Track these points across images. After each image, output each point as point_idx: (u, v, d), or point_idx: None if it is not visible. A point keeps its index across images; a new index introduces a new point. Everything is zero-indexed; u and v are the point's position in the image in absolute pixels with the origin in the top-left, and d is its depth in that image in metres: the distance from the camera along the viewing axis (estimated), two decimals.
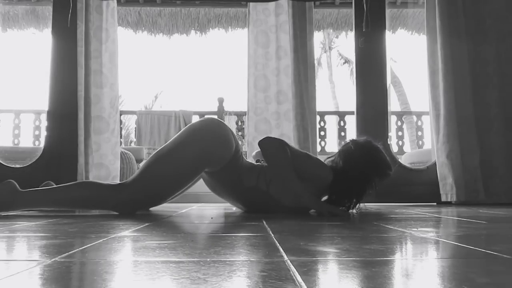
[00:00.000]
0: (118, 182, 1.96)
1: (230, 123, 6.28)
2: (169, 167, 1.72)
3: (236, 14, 4.79)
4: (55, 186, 1.80)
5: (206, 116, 1.94)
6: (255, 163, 1.93)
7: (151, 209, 2.05)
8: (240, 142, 2.03)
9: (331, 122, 6.28)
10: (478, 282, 0.56)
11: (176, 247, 0.85)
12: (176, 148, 1.74)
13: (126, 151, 3.67)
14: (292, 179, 1.66)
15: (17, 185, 1.67)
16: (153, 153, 1.80)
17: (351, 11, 3.07)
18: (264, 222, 1.39)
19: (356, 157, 1.77)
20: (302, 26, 2.84)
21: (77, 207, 1.83)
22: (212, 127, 1.79)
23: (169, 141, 1.81)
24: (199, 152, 1.73)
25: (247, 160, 1.97)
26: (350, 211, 1.82)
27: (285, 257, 0.73)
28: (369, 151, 1.80)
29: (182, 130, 1.85)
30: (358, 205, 1.81)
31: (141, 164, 1.99)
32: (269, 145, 1.71)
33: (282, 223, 1.48)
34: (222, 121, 1.86)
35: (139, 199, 1.74)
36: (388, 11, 3.29)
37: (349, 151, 1.81)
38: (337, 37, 18.92)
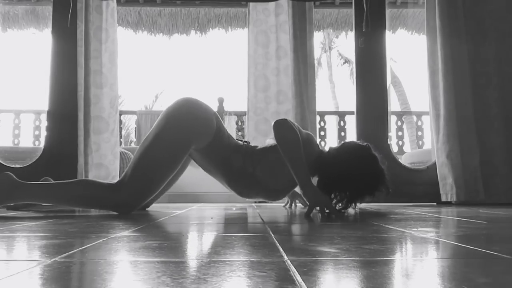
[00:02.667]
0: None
1: (230, 123, 6.28)
2: (156, 155, 1.73)
3: (236, 14, 4.79)
4: (55, 181, 1.80)
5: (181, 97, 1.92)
6: (241, 143, 1.93)
7: (150, 209, 2.05)
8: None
9: (331, 122, 6.28)
10: (478, 282, 0.56)
11: (176, 247, 0.85)
12: (157, 136, 1.75)
13: (126, 151, 3.67)
14: (300, 165, 1.63)
15: (14, 177, 1.67)
16: (139, 146, 1.81)
17: (351, 11, 3.07)
18: (264, 222, 1.39)
19: (348, 162, 1.73)
20: (302, 26, 2.84)
21: (75, 204, 1.83)
22: (185, 108, 1.80)
23: (150, 130, 1.81)
24: (178, 133, 1.75)
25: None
26: (338, 208, 1.75)
27: (285, 257, 0.73)
28: (366, 164, 1.73)
29: (159, 117, 1.85)
30: (346, 206, 1.75)
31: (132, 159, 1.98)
32: (282, 128, 1.67)
33: (282, 223, 1.48)
34: (197, 99, 1.85)
35: (136, 193, 1.72)
36: (388, 11, 3.29)
37: (347, 152, 1.78)
38: (337, 37, 18.92)
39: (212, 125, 1.79)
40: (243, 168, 1.80)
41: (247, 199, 2.86)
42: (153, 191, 1.79)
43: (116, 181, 1.79)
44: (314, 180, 1.76)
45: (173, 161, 1.76)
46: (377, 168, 1.75)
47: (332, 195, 1.74)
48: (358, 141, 1.89)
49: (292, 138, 1.65)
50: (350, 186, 1.72)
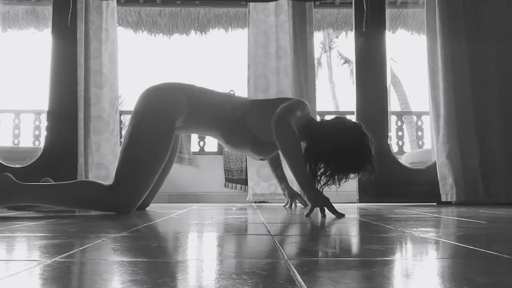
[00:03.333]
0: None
1: None
2: (142, 146, 1.75)
3: (236, 14, 4.79)
4: (55, 183, 1.80)
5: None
6: (228, 93, 2.00)
7: (149, 209, 2.05)
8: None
9: None
10: (478, 282, 0.56)
11: (176, 247, 0.85)
12: (137, 128, 1.78)
13: None
14: (300, 165, 1.64)
15: (14, 178, 1.67)
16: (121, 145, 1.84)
17: (351, 11, 3.07)
18: (264, 222, 1.39)
19: (338, 135, 1.74)
20: (302, 26, 2.84)
21: (75, 206, 1.82)
22: (150, 95, 1.84)
23: (127, 129, 1.84)
24: (156, 117, 1.79)
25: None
26: (320, 187, 1.75)
27: (285, 257, 0.72)
28: (353, 137, 1.74)
29: (138, 98, 1.88)
30: (328, 180, 1.74)
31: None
32: (282, 127, 1.68)
33: (282, 223, 1.48)
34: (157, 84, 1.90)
35: (133, 190, 1.73)
36: (388, 11, 3.29)
37: (339, 125, 1.80)
38: (337, 37, 18.93)
39: (179, 94, 1.84)
40: (233, 116, 1.87)
41: (246, 200, 2.86)
42: (148, 184, 1.80)
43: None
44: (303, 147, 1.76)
45: (160, 146, 1.79)
46: (365, 145, 1.75)
47: (317, 167, 1.73)
48: (349, 122, 1.87)
49: (292, 138, 1.65)
50: (335, 159, 1.71)
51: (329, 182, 1.74)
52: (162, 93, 1.86)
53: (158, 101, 1.83)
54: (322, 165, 1.73)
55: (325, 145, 1.73)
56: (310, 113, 1.86)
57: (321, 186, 1.74)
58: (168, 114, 1.81)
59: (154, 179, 1.81)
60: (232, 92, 2.03)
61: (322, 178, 1.73)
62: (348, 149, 1.71)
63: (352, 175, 1.79)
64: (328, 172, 1.72)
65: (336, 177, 1.74)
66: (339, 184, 1.76)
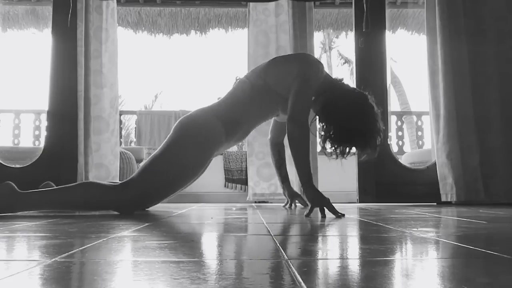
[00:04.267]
0: (118, 181, 1.95)
1: None
2: (165, 166, 1.75)
3: (236, 14, 4.79)
4: (55, 187, 1.79)
5: (198, 110, 1.96)
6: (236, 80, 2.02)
7: (150, 209, 2.05)
8: (240, 143, 2.09)
9: None
10: (478, 282, 0.56)
11: (176, 247, 0.85)
12: (170, 148, 1.78)
13: (126, 151, 3.67)
14: (305, 164, 1.68)
15: (15, 187, 1.66)
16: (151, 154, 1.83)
17: (351, 11, 3.07)
18: (264, 222, 1.39)
19: (345, 107, 1.78)
20: (302, 26, 2.84)
21: (78, 208, 1.83)
22: (194, 131, 1.82)
23: (164, 142, 1.83)
24: (195, 156, 1.79)
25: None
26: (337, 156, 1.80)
27: (285, 257, 0.72)
28: (362, 111, 1.78)
29: (176, 125, 1.87)
30: (339, 152, 1.79)
31: (141, 164, 2.01)
32: (295, 124, 1.72)
33: (282, 223, 1.48)
34: (212, 119, 1.86)
35: (140, 196, 1.73)
36: (388, 11, 3.29)
37: (349, 94, 1.83)
38: (337, 37, 18.90)
39: (215, 122, 1.83)
40: (256, 85, 1.88)
41: (246, 200, 2.86)
42: (161, 198, 1.85)
43: (116, 181, 1.80)
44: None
45: (190, 171, 1.81)
46: (374, 121, 1.78)
47: (327, 130, 1.80)
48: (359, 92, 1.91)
49: (303, 138, 1.70)
50: (344, 126, 1.76)
51: (335, 151, 1.79)
52: (199, 123, 1.84)
53: (196, 129, 1.82)
54: (332, 130, 1.78)
55: (337, 112, 1.78)
56: (321, 66, 1.88)
57: (327, 153, 1.80)
58: (207, 143, 1.81)
59: (169, 195, 1.85)
60: (238, 78, 2.03)
61: (328, 142, 1.79)
62: (357, 120, 1.76)
63: (357, 148, 1.81)
64: (335, 138, 1.77)
65: (341, 147, 1.78)
66: (343, 156, 1.80)
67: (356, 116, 1.76)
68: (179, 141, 1.79)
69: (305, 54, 1.96)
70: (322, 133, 1.81)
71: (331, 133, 1.77)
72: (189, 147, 1.78)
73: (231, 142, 1.96)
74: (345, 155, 1.80)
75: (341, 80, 1.93)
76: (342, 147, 1.78)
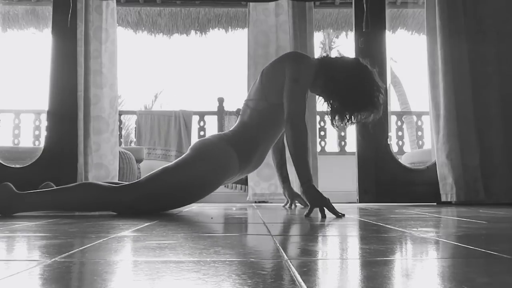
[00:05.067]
0: (118, 182, 1.95)
1: (230, 123, 6.29)
2: (175, 180, 1.75)
3: (236, 14, 4.79)
4: (55, 188, 1.79)
5: (214, 135, 1.98)
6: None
7: None
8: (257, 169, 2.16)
9: None
10: (478, 282, 0.56)
11: (176, 247, 0.85)
12: (184, 164, 1.79)
13: (126, 151, 3.67)
14: (304, 165, 1.70)
15: (13, 188, 1.66)
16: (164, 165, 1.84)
17: (351, 11, 3.07)
18: (264, 222, 1.39)
19: (346, 74, 1.83)
20: (302, 26, 2.84)
21: (78, 209, 1.82)
22: (217, 154, 1.83)
23: (180, 157, 1.86)
24: (212, 176, 1.81)
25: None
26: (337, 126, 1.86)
27: (285, 257, 0.72)
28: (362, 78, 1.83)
29: (193, 146, 1.88)
30: (349, 122, 1.83)
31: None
32: (295, 126, 1.74)
33: (282, 223, 1.48)
34: (227, 147, 1.86)
35: (142, 202, 1.73)
36: (388, 11, 3.29)
37: (347, 64, 1.88)
38: (337, 37, 18.87)
39: (231, 152, 1.83)
40: (262, 109, 1.91)
41: (246, 200, 2.86)
42: (167, 208, 1.86)
43: (115, 181, 1.80)
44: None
45: (201, 190, 1.83)
46: (371, 80, 1.83)
47: (331, 107, 1.84)
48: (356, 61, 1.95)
49: (300, 137, 1.72)
50: (345, 97, 1.81)
51: (345, 122, 1.83)
52: (218, 149, 1.85)
53: (214, 156, 1.83)
54: (337, 103, 1.82)
55: (336, 85, 1.83)
56: (307, 59, 1.90)
57: (337, 125, 1.85)
58: (221, 171, 1.83)
59: (169, 209, 1.86)
60: (239, 109, 2.07)
61: (336, 117, 1.83)
62: (356, 83, 1.81)
63: (363, 112, 1.84)
64: (341, 109, 1.81)
65: (348, 115, 1.82)
66: (354, 122, 1.85)
67: (353, 81, 1.81)
68: (196, 161, 1.80)
69: (288, 54, 1.97)
70: (329, 110, 1.85)
71: (335, 107, 1.82)
72: (203, 169, 1.79)
73: (245, 172, 1.99)
74: (354, 122, 1.85)
75: (338, 56, 1.99)
76: (349, 115, 1.82)
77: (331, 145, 6.08)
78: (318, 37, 19.10)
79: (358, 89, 1.80)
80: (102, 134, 2.73)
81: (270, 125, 1.94)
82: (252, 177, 2.81)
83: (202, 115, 5.73)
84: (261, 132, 1.93)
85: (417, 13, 4.60)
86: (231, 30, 4.98)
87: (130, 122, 10.52)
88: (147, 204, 1.75)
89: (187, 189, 1.78)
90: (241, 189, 4.41)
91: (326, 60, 1.93)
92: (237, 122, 2.00)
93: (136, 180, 1.79)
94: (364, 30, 2.84)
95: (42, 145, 3.05)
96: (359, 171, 2.78)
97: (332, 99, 1.84)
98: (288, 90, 1.79)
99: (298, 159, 1.71)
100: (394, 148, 5.56)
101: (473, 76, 2.70)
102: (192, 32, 5.02)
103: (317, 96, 2.03)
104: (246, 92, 2.86)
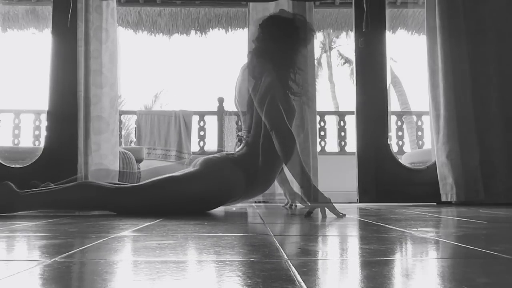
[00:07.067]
0: (118, 182, 1.95)
1: (230, 123, 6.29)
2: (179, 189, 1.75)
3: (236, 14, 4.79)
4: (55, 187, 1.79)
5: (223, 155, 1.97)
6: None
7: None
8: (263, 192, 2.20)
9: (331, 122, 6.26)
10: (478, 282, 0.56)
11: (176, 247, 0.85)
12: (191, 177, 1.78)
13: (126, 151, 3.67)
14: (300, 167, 1.71)
15: (14, 187, 1.66)
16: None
17: (351, 11, 3.07)
18: (264, 222, 1.39)
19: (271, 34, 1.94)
20: None
21: (78, 209, 1.83)
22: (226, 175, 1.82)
23: (187, 169, 1.85)
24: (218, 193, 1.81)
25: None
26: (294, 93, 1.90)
27: (285, 257, 0.73)
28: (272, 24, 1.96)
29: (202, 161, 1.86)
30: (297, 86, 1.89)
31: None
32: (284, 137, 1.74)
33: (282, 223, 1.48)
34: (235, 167, 1.84)
35: (142, 205, 1.73)
36: (388, 11, 3.29)
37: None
38: (337, 37, 18.89)
39: (240, 174, 1.82)
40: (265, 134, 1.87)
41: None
42: (159, 214, 1.84)
43: (115, 181, 1.80)
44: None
45: (193, 205, 1.81)
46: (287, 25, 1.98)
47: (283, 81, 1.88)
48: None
49: (290, 143, 1.72)
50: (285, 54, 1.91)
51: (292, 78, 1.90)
52: (228, 171, 1.83)
53: (223, 175, 1.81)
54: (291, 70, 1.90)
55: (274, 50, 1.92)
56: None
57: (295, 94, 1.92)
58: (227, 193, 1.83)
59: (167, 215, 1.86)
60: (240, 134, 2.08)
61: (291, 85, 1.90)
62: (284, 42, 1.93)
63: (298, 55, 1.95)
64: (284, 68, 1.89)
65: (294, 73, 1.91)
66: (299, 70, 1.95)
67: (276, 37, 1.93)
68: (203, 177, 1.78)
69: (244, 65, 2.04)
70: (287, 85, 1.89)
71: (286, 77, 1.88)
72: (208, 186, 1.77)
73: (249, 195, 2.00)
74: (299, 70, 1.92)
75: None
76: (294, 71, 1.90)
77: (331, 145, 6.08)
78: (318, 37, 19.12)
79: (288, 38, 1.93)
80: (102, 134, 2.73)
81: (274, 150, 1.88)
82: None
83: (202, 115, 5.73)
84: (268, 156, 1.87)
85: (417, 13, 4.60)
86: (231, 30, 4.98)
87: (130, 122, 10.52)
88: (146, 208, 1.74)
89: (189, 202, 1.77)
90: None
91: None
92: (245, 146, 1.95)
93: (139, 183, 1.78)
94: (364, 30, 2.84)
95: (42, 145, 3.05)
96: (359, 171, 2.78)
97: (280, 67, 1.88)
98: (257, 99, 1.82)
99: (293, 168, 1.72)
100: (394, 148, 5.56)
101: (473, 76, 2.70)
102: (192, 32, 5.02)
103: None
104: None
